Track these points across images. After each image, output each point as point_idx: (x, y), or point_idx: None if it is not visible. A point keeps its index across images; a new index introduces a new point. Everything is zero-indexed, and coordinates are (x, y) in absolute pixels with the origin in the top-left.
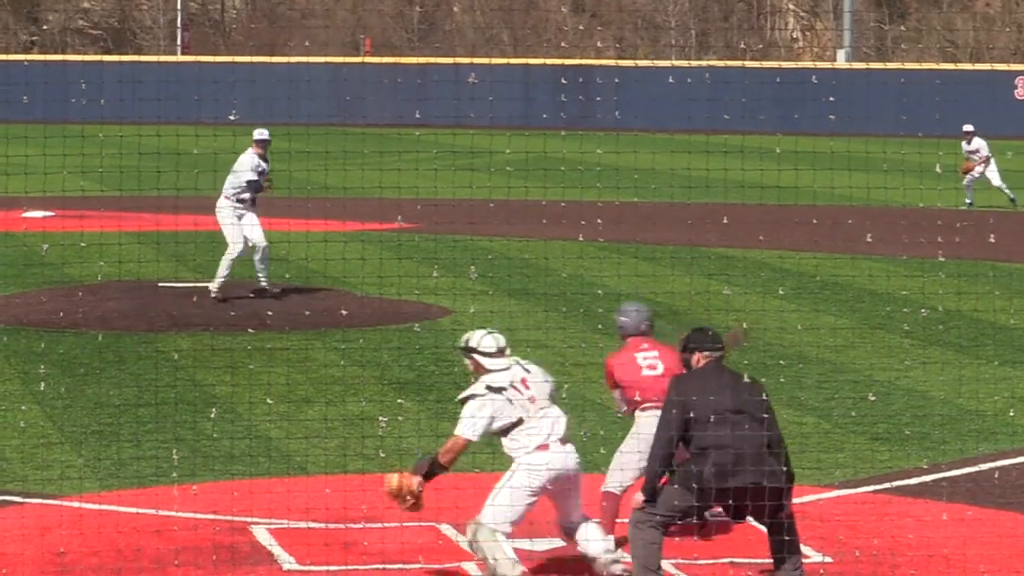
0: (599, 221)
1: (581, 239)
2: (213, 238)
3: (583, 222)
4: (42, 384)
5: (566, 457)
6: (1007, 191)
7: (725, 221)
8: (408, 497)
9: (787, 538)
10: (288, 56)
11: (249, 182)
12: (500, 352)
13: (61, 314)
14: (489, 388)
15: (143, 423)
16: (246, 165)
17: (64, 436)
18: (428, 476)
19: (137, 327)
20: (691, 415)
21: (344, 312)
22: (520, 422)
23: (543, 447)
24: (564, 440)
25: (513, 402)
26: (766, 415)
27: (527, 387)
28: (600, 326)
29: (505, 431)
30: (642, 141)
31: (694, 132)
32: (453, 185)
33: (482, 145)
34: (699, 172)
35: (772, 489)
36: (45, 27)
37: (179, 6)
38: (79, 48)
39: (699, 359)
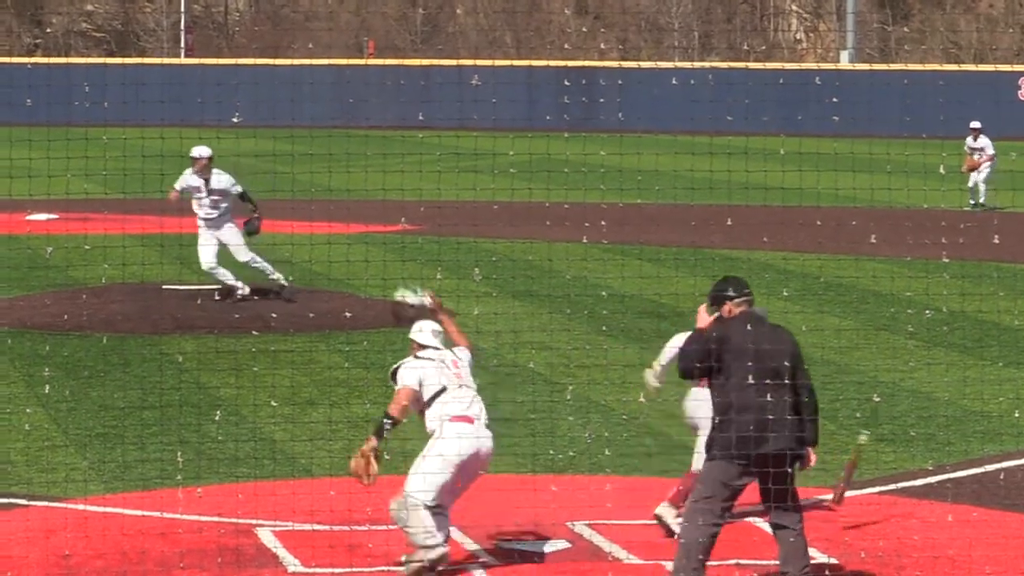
0: (603, 223)
1: (585, 241)
2: None
3: (587, 224)
4: (47, 387)
5: (486, 439)
6: (983, 193)
7: (729, 223)
8: (364, 464)
9: (793, 540)
10: (291, 58)
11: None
12: (435, 335)
13: (65, 317)
14: (417, 357)
15: (148, 425)
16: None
17: (69, 439)
18: (380, 434)
19: (141, 330)
20: (723, 353)
21: (348, 314)
22: (444, 391)
23: (467, 419)
24: (487, 426)
25: (439, 370)
26: (799, 369)
27: (456, 367)
28: (604, 328)
29: (429, 402)
30: (645, 142)
31: (698, 133)
32: (456, 187)
33: (485, 147)
34: (703, 173)
35: (798, 455)
36: (48, 29)
37: (182, 8)
38: (82, 51)
39: (731, 309)
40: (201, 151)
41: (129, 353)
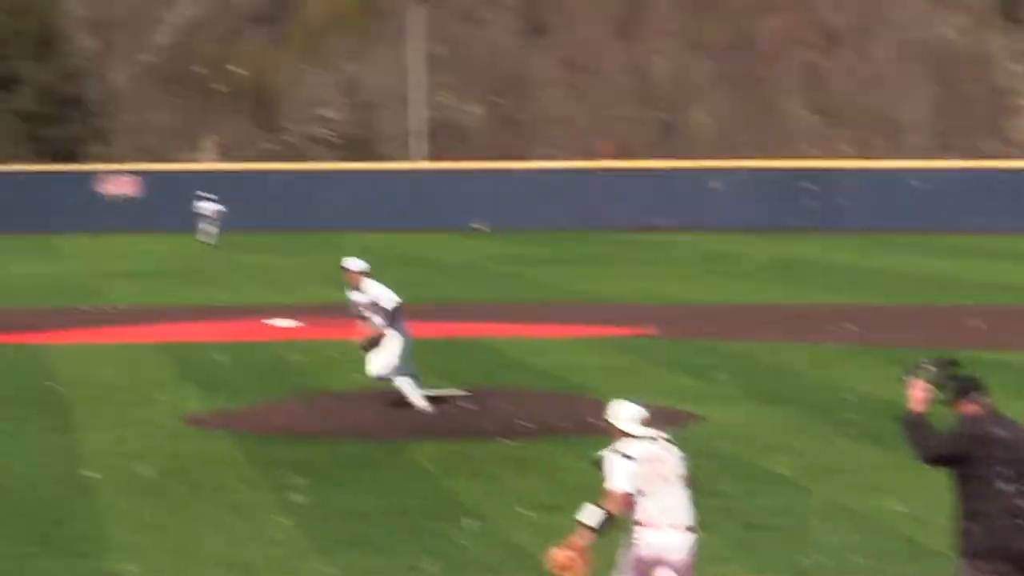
0: (848, 325)
1: (829, 343)
2: (460, 347)
3: (830, 325)
4: (292, 493)
5: (674, 542)
6: None
7: (977, 324)
8: (576, 561)
9: None
10: (529, 161)
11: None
12: (638, 423)
13: (310, 422)
14: (616, 451)
15: (394, 532)
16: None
17: (316, 545)
18: (597, 529)
19: (385, 435)
20: (975, 453)
21: (591, 420)
22: (639, 494)
23: (654, 525)
24: (686, 527)
25: (645, 469)
26: None
27: (659, 462)
28: (850, 431)
29: (633, 501)
30: (888, 243)
31: (940, 233)
32: (699, 289)
33: (727, 249)
34: (947, 273)
35: None
36: (286, 136)
37: (419, 114)
38: (320, 156)
39: (975, 409)
40: (353, 263)
41: (373, 459)
